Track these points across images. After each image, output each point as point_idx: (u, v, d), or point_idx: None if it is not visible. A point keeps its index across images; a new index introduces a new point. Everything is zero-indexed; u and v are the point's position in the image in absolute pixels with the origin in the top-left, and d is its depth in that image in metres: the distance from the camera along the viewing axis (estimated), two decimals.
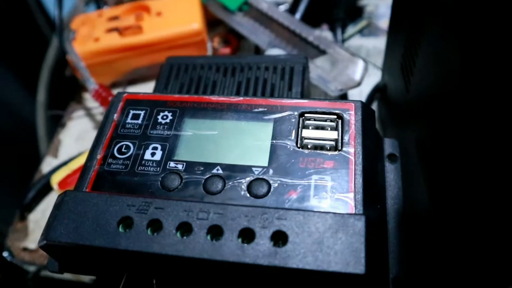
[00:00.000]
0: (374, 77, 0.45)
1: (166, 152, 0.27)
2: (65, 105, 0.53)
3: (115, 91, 0.45)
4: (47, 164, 0.46)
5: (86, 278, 0.40)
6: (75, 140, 0.48)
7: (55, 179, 0.40)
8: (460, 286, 0.21)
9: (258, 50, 0.49)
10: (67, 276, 0.41)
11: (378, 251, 0.22)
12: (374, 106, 0.44)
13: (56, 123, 0.62)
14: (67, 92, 0.65)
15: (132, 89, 0.50)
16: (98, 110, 0.49)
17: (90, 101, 0.51)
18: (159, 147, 0.27)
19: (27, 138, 0.80)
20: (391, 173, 0.29)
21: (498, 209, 0.16)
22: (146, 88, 0.50)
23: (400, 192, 0.28)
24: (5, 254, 0.41)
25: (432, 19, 0.25)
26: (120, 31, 0.47)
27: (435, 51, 0.25)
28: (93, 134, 0.47)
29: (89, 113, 0.50)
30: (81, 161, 0.40)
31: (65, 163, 0.42)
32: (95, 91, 0.43)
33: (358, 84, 0.39)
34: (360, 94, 0.44)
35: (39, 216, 0.42)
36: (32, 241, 0.41)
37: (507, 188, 0.16)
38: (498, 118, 0.16)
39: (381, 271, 0.23)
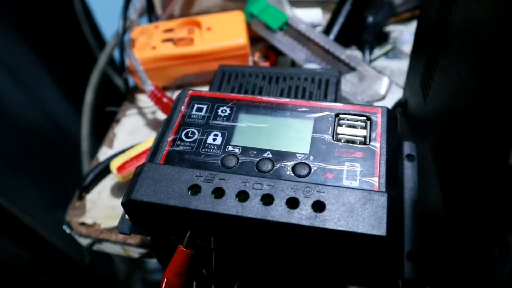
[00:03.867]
0: (396, 95, 0.50)
1: (225, 138, 0.32)
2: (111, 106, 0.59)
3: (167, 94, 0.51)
4: (103, 153, 0.53)
5: (135, 254, 0.45)
6: (128, 134, 0.54)
7: (114, 164, 0.46)
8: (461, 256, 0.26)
9: (294, 65, 0.55)
10: (117, 250, 0.46)
11: (396, 223, 0.27)
12: None
13: (97, 126, 0.68)
14: (112, 95, 0.72)
15: None
16: (149, 109, 0.56)
17: (142, 101, 0.57)
18: (219, 134, 0.33)
19: (67, 139, 0.87)
20: (408, 169, 0.35)
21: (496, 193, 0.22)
22: None
23: (415, 185, 0.34)
24: (64, 227, 0.47)
25: (446, 45, 0.31)
26: (174, 42, 0.54)
27: (449, 69, 0.30)
28: (144, 130, 0.54)
29: (141, 112, 0.56)
30: (137, 150, 0.46)
31: (121, 152, 0.49)
32: (151, 92, 0.50)
33: (383, 97, 0.45)
34: None
35: (96, 197, 0.48)
36: (89, 217, 0.47)
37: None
38: (499, 121, 0.21)
39: (397, 241, 0.28)
